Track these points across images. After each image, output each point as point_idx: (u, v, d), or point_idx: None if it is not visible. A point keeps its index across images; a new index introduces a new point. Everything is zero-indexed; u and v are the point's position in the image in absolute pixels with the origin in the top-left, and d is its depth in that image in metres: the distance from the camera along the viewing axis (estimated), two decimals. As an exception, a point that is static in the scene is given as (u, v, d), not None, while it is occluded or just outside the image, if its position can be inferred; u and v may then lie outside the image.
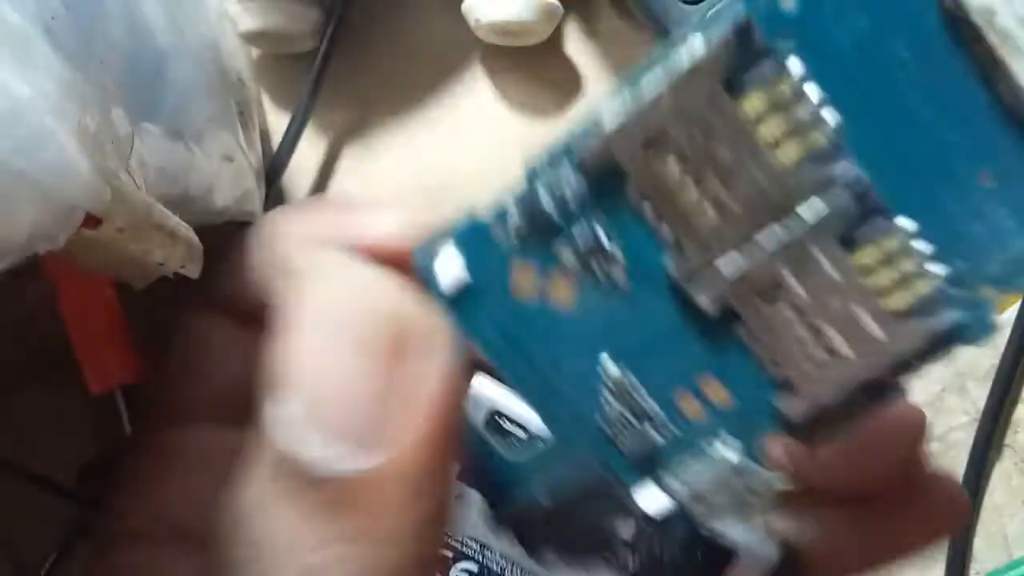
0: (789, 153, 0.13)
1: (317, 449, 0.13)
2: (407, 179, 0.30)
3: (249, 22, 0.27)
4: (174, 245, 0.20)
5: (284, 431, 0.13)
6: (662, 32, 0.26)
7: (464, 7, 0.28)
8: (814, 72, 0.12)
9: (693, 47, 0.12)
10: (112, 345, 0.22)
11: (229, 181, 0.24)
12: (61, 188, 0.15)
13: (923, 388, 0.30)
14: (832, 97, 0.12)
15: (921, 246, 0.13)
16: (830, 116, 0.12)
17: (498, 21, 0.27)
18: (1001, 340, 0.29)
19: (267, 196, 0.27)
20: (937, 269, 0.13)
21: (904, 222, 0.13)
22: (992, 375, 0.29)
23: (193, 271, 0.22)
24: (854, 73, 0.12)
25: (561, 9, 0.28)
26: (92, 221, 0.16)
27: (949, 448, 0.29)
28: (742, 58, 0.12)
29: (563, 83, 0.30)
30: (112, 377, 0.22)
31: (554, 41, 0.30)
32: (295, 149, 0.28)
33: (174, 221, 0.20)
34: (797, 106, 0.12)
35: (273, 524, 0.14)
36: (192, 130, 0.22)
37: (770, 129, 0.12)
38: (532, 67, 0.30)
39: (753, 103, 0.12)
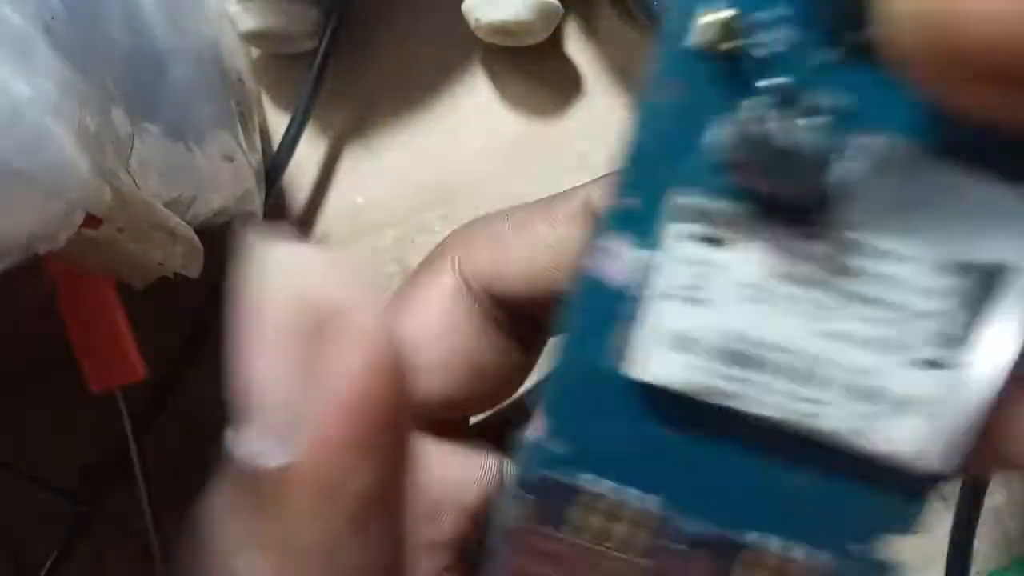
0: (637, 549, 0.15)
1: (244, 446, 0.12)
2: (407, 179, 0.30)
3: (249, 22, 0.27)
4: (174, 245, 0.20)
5: (232, 431, 0.12)
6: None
7: (464, 7, 0.28)
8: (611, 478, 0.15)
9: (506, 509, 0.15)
10: (112, 345, 0.22)
11: (229, 181, 0.24)
12: (61, 188, 0.15)
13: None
14: (646, 487, 0.15)
15: (795, 552, 0.15)
16: (650, 503, 0.15)
17: (498, 21, 0.27)
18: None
19: (267, 196, 0.27)
20: (821, 558, 0.15)
21: (771, 542, 0.15)
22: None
23: (193, 271, 0.22)
24: (643, 455, 0.15)
25: (561, 9, 0.28)
26: (92, 221, 0.16)
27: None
28: (551, 506, 0.15)
29: (563, 83, 0.30)
30: (112, 377, 0.22)
31: (554, 41, 0.30)
32: (295, 149, 0.28)
33: (174, 221, 0.20)
34: (618, 514, 0.15)
35: (212, 521, 0.13)
36: (192, 130, 0.22)
37: (606, 538, 0.15)
38: (532, 67, 0.30)
39: (577, 527, 0.15)
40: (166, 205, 0.20)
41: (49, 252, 0.15)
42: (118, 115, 0.18)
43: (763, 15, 0.13)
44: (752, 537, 0.15)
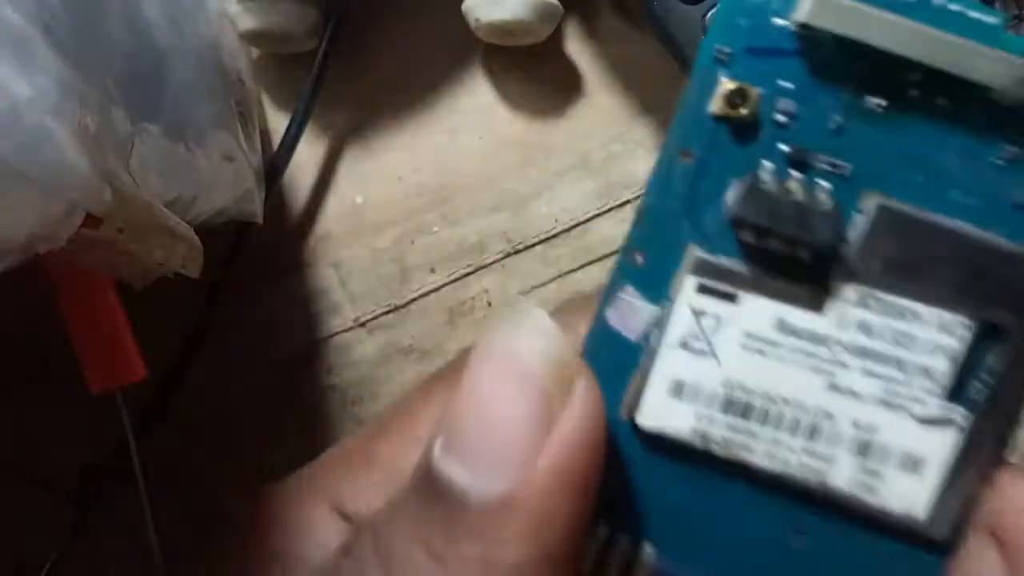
0: None
1: (456, 473, 0.14)
2: (407, 179, 0.30)
3: (249, 22, 0.27)
4: (174, 245, 0.20)
5: (437, 454, 0.14)
6: (662, 32, 0.26)
7: (464, 7, 0.28)
8: None
9: None
10: (112, 345, 0.22)
11: (229, 181, 0.24)
12: (61, 188, 0.15)
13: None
14: (641, 535, 0.16)
15: None
16: (645, 553, 0.16)
17: (498, 21, 0.27)
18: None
19: (267, 196, 0.27)
20: None
21: None
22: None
23: (193, 271, 0.22)
24: None
25: (561, 9, 0.28)
26: (92, 221, 0.16)
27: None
28: None
29: (563, 83, 0.30)
30: (112, 377, 0.22)
31: (554, 41, 0.30)
32: (295, 149, 0.28)
33: (174, 221, 0.20)
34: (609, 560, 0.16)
35: (401, 533, 0.14)
36: (192, 130, 0.22)
37: None
38: (532, 67, 0.30)
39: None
40: (166, 205, 0.20)
41: (49, 252, 0.15)
42: (118, 115, 0.18)
43: (777, 85, 0.15)
44: None
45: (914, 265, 0.15)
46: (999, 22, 0.14)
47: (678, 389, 0.15)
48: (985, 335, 0.15)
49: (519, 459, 0.14)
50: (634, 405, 0.15)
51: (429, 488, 0.14)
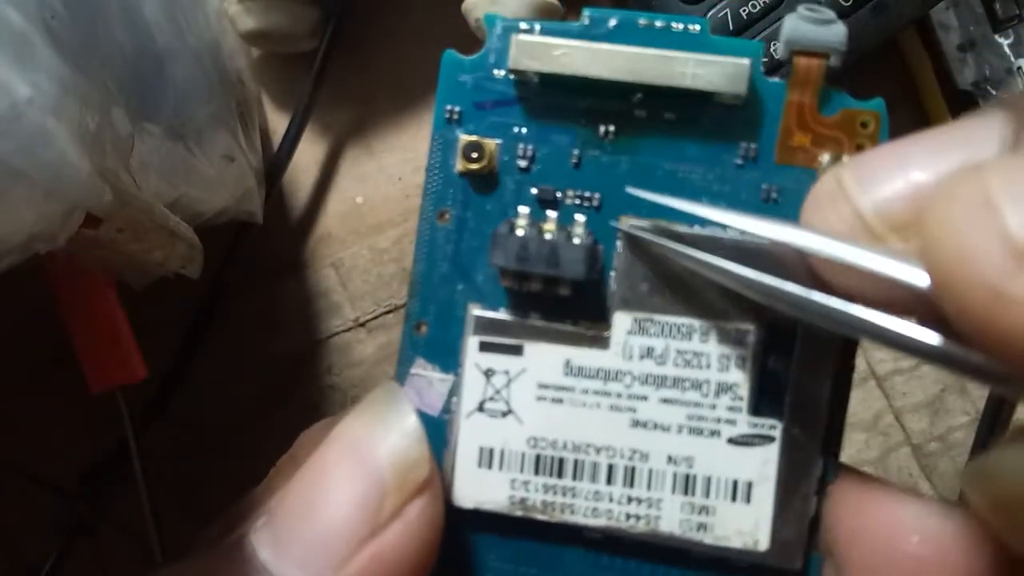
0: None
1: (263, 549, 0.13)
2: (407, 179, 0.30)
3: (249, 22, 0.27)
4: (174, 245, 0.20)
5: (256, 524, 0.14)
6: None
7: (464, 7, 0.28)
8: None
9: None
10: (112, 345, 0.22)
11: (229, 181, 0.24)
12: (61, 188, 0.15)
13: (923, 388, 0.30)
14: None
15: None
16: None
17: (498, 21, 0.27)
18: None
19: (267, 196, 0.27)
20: None
21: None
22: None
23: (193, 271, 0.22)
24: None
25: (561, 8, 0.28)
26: (92, 221, 0.16)
27: (949, 448, 0.29)
28: None
29: (563, 83, 0.30)
30: (112, 377, 0.22)
31: (554, 41, 0.30)
32: (295, 149, 0.28)
33: (174, 221, 0.20)
34: None
35: None
36: (192, 130, 0.22)
37: None
38: (532, 67, 0.30)
39: None
40: (166, 205, 0.20)
41: (49, 252, 0.15)
42: (118, 115, 0.18)
43: (512, 132, 0.15)
44: None
45: (679, 280, 0.14)
46: (703, 27, 0.14)
47: (486, 458, 0.14)
48: (771, 337, 0.14)
49: (330, 553, 0.13)
50: (449, 485, 0.14)
51: (230, 555, 0.13)
